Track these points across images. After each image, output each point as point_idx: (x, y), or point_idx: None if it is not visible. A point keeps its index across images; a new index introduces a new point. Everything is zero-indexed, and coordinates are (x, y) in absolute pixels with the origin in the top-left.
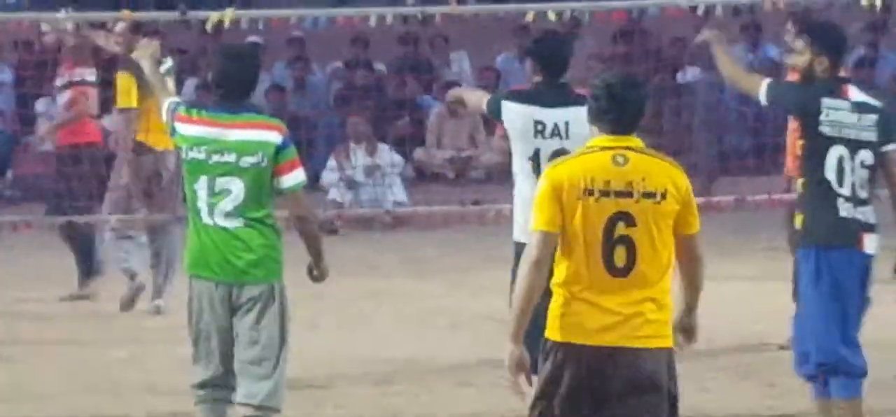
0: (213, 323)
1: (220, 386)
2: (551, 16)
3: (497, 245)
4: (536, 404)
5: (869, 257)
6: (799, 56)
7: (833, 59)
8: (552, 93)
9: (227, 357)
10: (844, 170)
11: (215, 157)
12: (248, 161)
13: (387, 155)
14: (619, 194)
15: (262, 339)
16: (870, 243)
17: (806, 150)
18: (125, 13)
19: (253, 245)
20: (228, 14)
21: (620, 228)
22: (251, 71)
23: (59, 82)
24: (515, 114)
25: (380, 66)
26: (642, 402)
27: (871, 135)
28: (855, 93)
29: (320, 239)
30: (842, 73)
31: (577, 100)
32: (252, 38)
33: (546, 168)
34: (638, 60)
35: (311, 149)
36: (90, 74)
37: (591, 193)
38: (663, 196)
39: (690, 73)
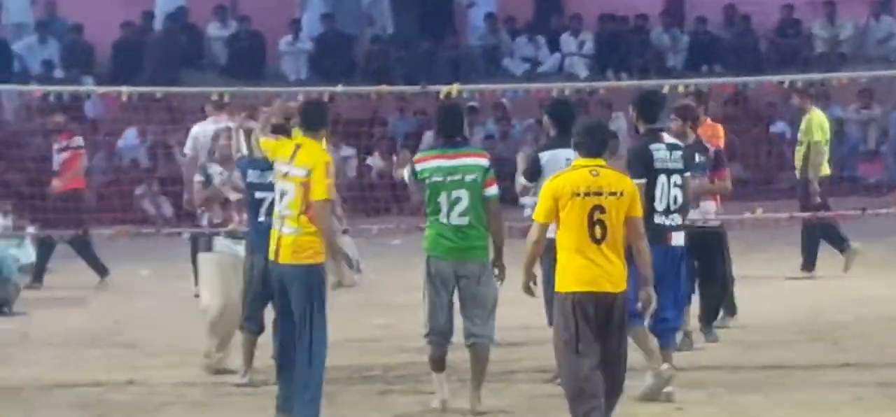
0: (445, 288)
1: (445, 333)
2: (680, 88)
3: None
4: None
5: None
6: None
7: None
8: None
9: (450, 310)
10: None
11: (449, 177)
12: (469, 178)
13: None
14: (595, 193)
15: (482, 297)
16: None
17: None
18: (383, 87)
19: (473, 235)
20: (455, 88)
21: (597, 214)
22: (461, 120)
23: (57, 146)
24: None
25: None
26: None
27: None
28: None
29: (501, 239)
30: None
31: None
32: (471, 103)
33: (548, 179)
34: (741, 119)
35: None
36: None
37: (577, 194)
38: (621, 194)
39: (779, 126)
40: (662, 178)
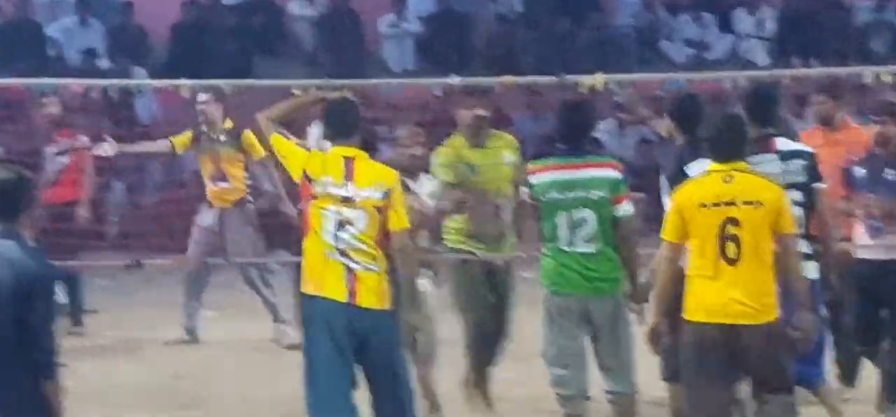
0: (574, 332)
1: (582, 389)
2: (885, 78)
3: None
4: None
5: None
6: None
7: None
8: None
9: (584, 360)
10: None
11: (570, 194)
12: (596, 194)
13: None
14: (727, 203)
15: (619, 342)
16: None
17: None
18: (509, 79)
19: (605, 266)
20: (599, 78)
21: (729, 228)
22: (590, 120)
23: (53, 148)
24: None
25: None
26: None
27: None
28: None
29: (636, 269)
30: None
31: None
32: (617, 98)
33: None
34: None
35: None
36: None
37: (704, 205)
38: (760, 204)
39: None
40: None
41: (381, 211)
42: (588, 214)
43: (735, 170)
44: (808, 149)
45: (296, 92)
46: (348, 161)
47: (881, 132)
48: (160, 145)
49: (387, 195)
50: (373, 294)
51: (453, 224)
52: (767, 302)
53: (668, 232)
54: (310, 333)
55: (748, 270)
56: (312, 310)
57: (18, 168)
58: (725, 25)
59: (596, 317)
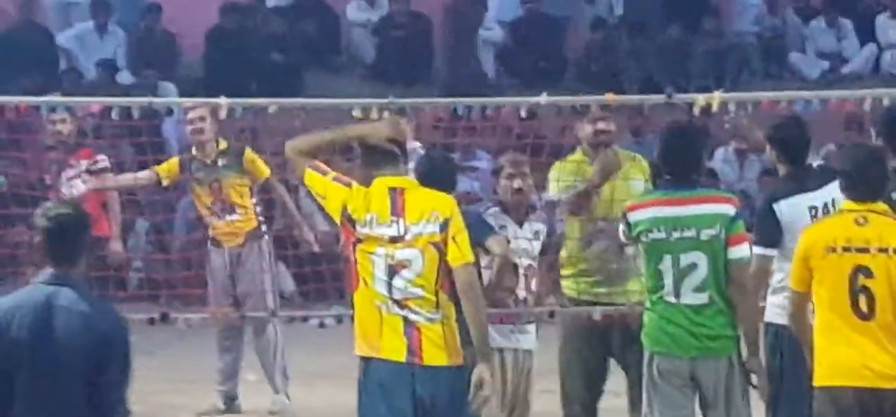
0: (682, 398)
1: None
2: None
3: None
4: None
5: None
6: None
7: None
8: (808, 175)
9: None
10: None
11: (676, 234)
12: (707, 234)
13: None
14: (860, 250)
15: (735, 411)
16: None
17: None
18: (610, 96)
19: (717, 321)
20: (716, 97)
21: (861, 279)
22: (698, 149)
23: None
24: (790, 208)
25: None
26: None
27: None
28: None
29: (755, 324)
30: None
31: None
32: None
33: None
34: None
35: None
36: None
37: (833, 249)
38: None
39: None
40: None
41: (439, 247)
42: (698, 257)
43: (871, 211)
44: None
45: (356, 114)
46: (395, 193)
47: None
48: (143, 177)
49: (444, 226)
50: (439, 349)
51: (566, 269)
52: None
53: (794, 279)
54: (364, 402)
55: (883, 328)
56: (367, 376)
57: (76, 204)
58: (867, 33)
59: (706, 383)
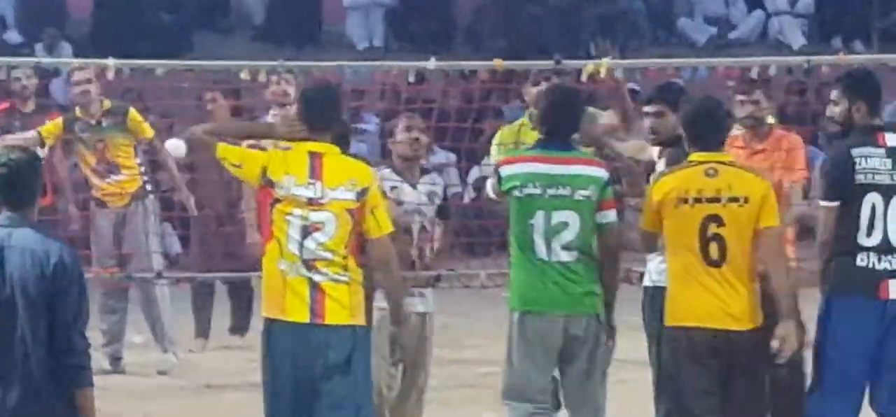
0: (546, 357)
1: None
2: None
3: None
4: None
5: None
6: (835, 106)
7: (869, 105)
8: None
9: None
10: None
11: (551, 191)
12: (582, 194)
13: None
14: (711, 200)
15: (595, 370)
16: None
17: None
18: (498, 62)
19: (585, 279)
20: (604, 63)
21: (712, 227)
22: (578, 111)
23: None
24: None
25: None
26: None
27: None
28: (892, 139)
29: (615, 287)
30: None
31: None
32: (631, 86)
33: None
34: None
35: None
36: None
37: (684, 201)
38: (746, 200)
39: None
40: (874, 198)
41: (353, 214)
42: (570, 216)
43: (719, 162)
44: None
45: (244, 76)
46: (315, 157)
47: None
48: (27, 137)
49: (361, 195)
50: (342, 308)
51: None
52: (752, 307)
53: (645, 220)
54: (268, 364)
55: (733, 274)
56: (271, 336)
57: (28, 149)
58: (755, 1)
59: (574, 338)
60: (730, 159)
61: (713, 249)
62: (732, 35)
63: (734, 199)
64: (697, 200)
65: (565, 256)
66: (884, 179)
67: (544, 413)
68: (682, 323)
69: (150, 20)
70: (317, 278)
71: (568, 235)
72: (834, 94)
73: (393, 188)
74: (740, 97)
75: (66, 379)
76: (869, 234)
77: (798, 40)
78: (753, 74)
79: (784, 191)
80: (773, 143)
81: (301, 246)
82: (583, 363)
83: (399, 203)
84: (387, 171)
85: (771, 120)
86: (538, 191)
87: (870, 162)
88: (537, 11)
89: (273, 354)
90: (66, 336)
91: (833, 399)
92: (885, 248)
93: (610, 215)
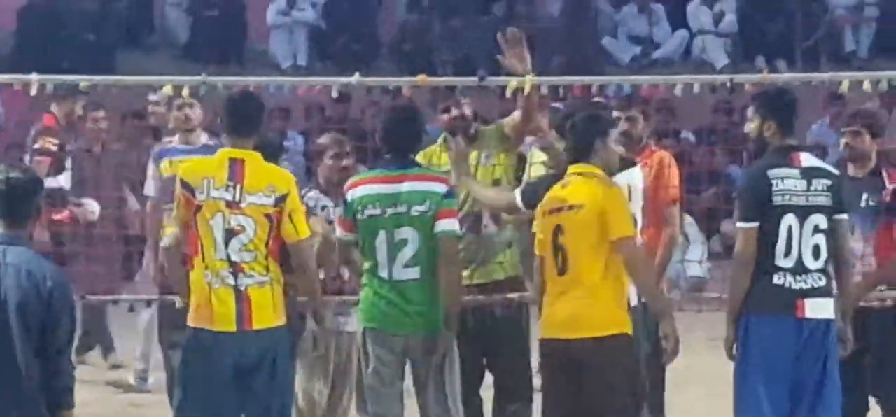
0: (392, 375)
1: None
2: (867, 86)
3: None
4: None
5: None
6: (751, 123)
7: (780, 123)
8: None
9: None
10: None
11: (390, 210)
12: (418, 210)
13: (691, 228)
14: (555, 210)
15: (444, 384)
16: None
17: None
18: (421, 78)
19: (426, 296)
20: (527, 80)
21: (559, 237)
22: (418, 127)
23: None
24: None
25: (687, 135)
26: None
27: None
28: (807, 160)
29: (456, 297)
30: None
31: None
32: (554, 104)
33: None
34: None
35: None
36: None
37: (544, 213)
38: (581, 208)
39: None
40: (790, 219)
41: (272, 219)
42: (409, 233)
43: (578, 173)
44: (834, 169)
45: (166, 91)
46: (235, 162)
47: (853, 144)
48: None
49: (280, 201)
50: (267, 311)
51: None
52: (598, 315)
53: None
54: (186, 369)
55: (574, 282)
56: (195, 343)
57: (28, 168)
58: (678, 19)
59: (416, 359)
60: (592, 170)
61: (560, 258)
62: (656, 54)
63: (571, 207)
64: (550, 211)
65: (407, 274)
66: (799, 200)
67: None
68: (542, 335)
69: (73, 38)
70: (242, 283)
71: (408, 252)
72: (749, 111)
73: (322, 208)
74: (616, 114)
75: (55, 401)
76: (786, 255)
77: (721, 59)
78: (677, 92)
79: (660, 211)
80: (645, 160)
81: (226, 250)
82: (427, 378)
83: (329, 221)
84: (314, 193)
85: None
86: (378, 211)
87: (786, 183)
88: (459, 28)
89: (200, 362)
90: (56, 359)
91: (755, 415)
92: (799, 268)
93: (446, 224)
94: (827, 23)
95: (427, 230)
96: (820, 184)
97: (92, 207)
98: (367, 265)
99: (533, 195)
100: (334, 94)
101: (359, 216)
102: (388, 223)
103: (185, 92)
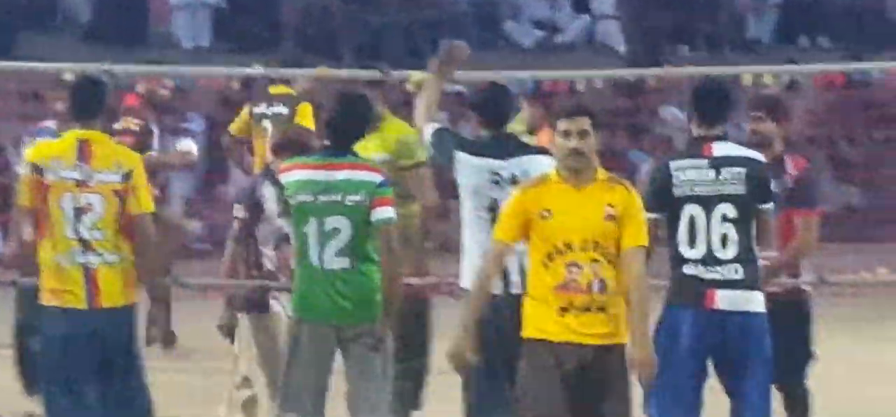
0: (317, 366)
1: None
2: (768, 79)
3: None
4: None
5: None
6: None
7: (700, 115)
8: (503, 144)
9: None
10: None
11: (322, 198)
12: (352, 199)
13: None
14: None
15: (371, 376)
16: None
17: None
18: (322, 70)
19: (359, 285)
20: (430, 76)
21: None
22: (363, 117)
23: None
24: (471, 168)
25: None
26: None
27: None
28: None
29: (395, 287)
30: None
31: (532, 150)
32: (457, 89)
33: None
34: (855, 112)
35: None
36: None
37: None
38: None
39: None
40: (692, 209)
41: (120, 195)
42: (341, 222)
43: None
44: (758, 157)
45: (68, 77)
46: (83, 142)
47: (757, 130)
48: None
49: (127, 177)
50: (117, 289)
51: None
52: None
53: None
54: (44, 350)
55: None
56: (49, 323)
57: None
58: (580, 3)
59: (350, 350)
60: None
61: None
62: (558, 39)
63: None
64: None
65: (338, 263)
66: (703, 190)
67: None
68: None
69: None
70: (91, 261)
71: (340, 241)
72: None
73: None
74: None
75: None
76: (692, 245)
77: (622, 44)
78: (580, 87)
79: None
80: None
81: (75, 229)
82: (358, 368)
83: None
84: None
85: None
86: (310, 197)
87: (687, 174)
88: (362, 13)
89: (52, 340)
90: None
91: (666, 406)
92: (710, 259)
93: (383, 212)
94: (729, 9)
95: (361, 220)
96: (731, 172)
97: None
98: (297, 252)
99: (439, 142)
100: (238, 85)
101: (291, 201)
102: (319, 210)
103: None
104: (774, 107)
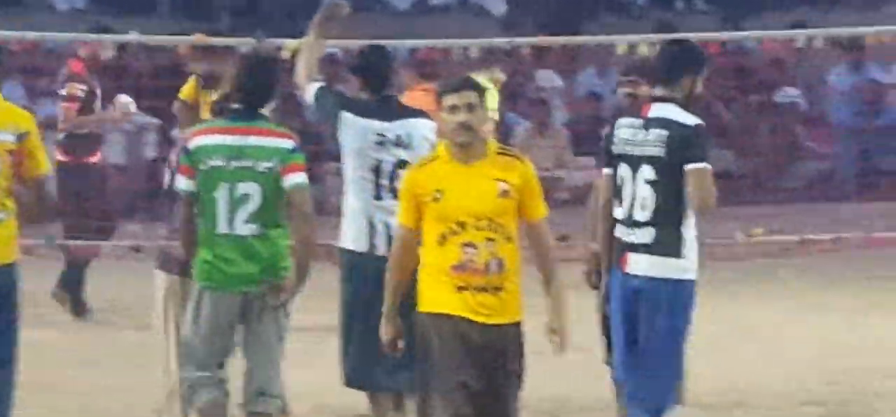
0: (221, 335)
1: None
2: (643, 49)
3: None
4: None
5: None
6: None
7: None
8: (386, 106)
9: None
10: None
11: (235, 163)
12: (264, 166)
13: None
14: None
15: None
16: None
17: None
18: (199, 36)
19: (268, 252)
20: (304, 42)
21: None
22: (270, 80)
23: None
24: (356, 129)
25: None
26: None
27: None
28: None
29: (308, 253)
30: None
31: (414, 113)
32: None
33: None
34: (732, 77)
35: None
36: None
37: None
38: None
39: (788, 93)
40: (623, 170)
41: (14, 155)
42: (252, 188)
43: None
44: (688, 121)
45: None
46: None
47: (631, 93)
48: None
49: (21, 138)
50: (7, 247)
51: None
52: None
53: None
54: None
55: None
56: None
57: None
58: None
59: (251, 312)
60: None
61: None
62: (433, 1)
63: None
64: None
65: (247, 229)
66: (633, 150)
67: (215, 385)
68: None
69: None
70: None
71: (250, 207)
72: None
73: None
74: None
75: None
76: (620, 205)
77: (499, 7)
78: (456, 57)
79: None
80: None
81: None
82: (259, 325)
83: None
84: None
85: None
86: (222, 162)
87: (624, 132)
88: None
89: None
90: None
91: (616, 365)
92: (629, 221)
93: (295, 177)
94: None
95: (272, 186)
96: (655, 134)
97: None
98: (203, 220)
99: (323, 101)
100: (109, 53)
101: (201, 166)
102: (231, 175)
103: None
104: (650, 72)
